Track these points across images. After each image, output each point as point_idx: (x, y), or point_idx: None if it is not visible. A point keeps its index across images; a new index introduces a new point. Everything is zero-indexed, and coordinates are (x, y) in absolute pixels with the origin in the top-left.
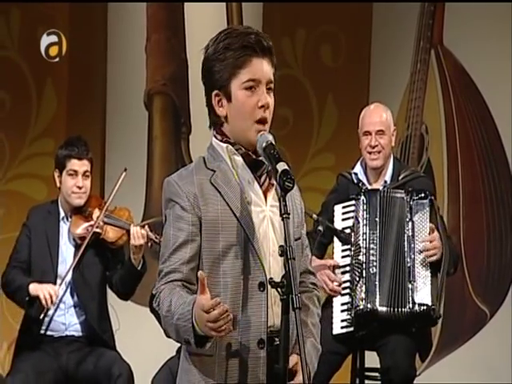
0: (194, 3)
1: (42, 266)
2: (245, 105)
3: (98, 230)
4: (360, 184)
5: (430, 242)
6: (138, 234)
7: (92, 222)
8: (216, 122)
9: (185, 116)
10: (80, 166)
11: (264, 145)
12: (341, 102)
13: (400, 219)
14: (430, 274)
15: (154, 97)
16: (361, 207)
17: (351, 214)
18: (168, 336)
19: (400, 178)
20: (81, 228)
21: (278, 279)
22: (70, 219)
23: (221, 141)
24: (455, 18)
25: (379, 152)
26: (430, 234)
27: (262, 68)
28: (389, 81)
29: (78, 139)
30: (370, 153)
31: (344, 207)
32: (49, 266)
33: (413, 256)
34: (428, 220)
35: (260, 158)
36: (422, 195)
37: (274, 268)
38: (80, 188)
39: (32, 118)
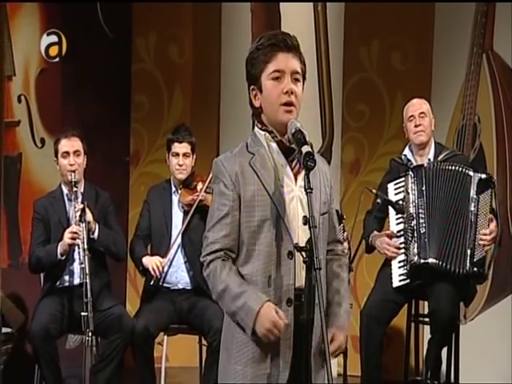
0: (288, 3)
1: (159, 231)
2: (272, 92)
3: (201, 198)
4: (408, 164)
5: (489, 233)
6: None
7: (197, 193)
8: (255, 113)
9: None
10: (180, 148)
11: (293, 131)
12: (408, 98)
13: (449, 187)
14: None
15: None
16: (409, 180)
17: (402, 189)
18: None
19: (441, 156)
20: (187, 198)
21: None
22: (179, 191)
23: (261, 129)
24: (504, 27)
25: (423, 131)
26: (489, 224)
27: (287, 61)
28: (447, 80)
29: (181, 126)
30: (415, 133)
31: (396, 184)
32: (164, 231)
33: (473, 230)
34: (489, 202)
35: (292, 146)
36: (485, 177)
37: (302, 238)
38: (180, 166)
39: (164, 116)
